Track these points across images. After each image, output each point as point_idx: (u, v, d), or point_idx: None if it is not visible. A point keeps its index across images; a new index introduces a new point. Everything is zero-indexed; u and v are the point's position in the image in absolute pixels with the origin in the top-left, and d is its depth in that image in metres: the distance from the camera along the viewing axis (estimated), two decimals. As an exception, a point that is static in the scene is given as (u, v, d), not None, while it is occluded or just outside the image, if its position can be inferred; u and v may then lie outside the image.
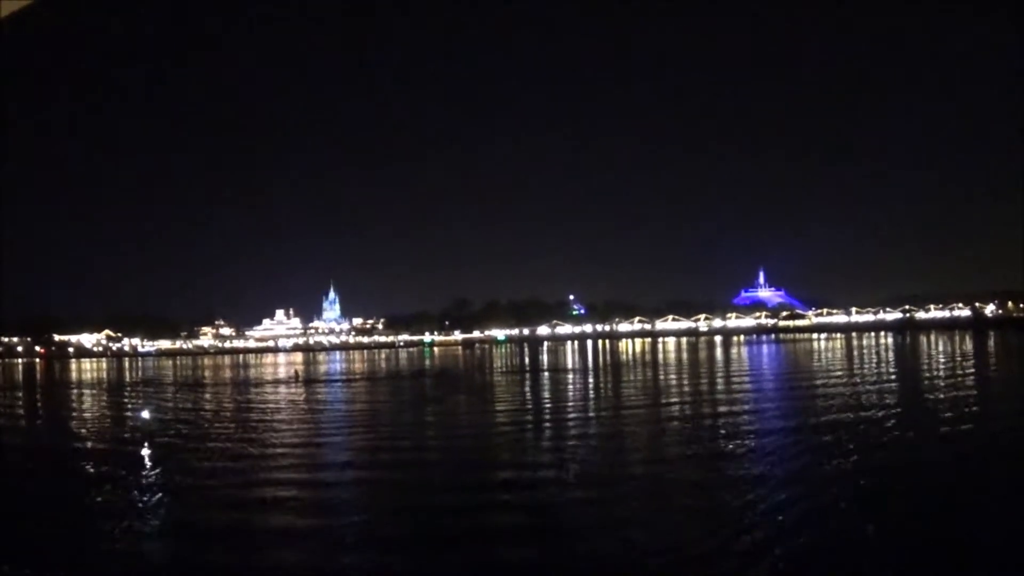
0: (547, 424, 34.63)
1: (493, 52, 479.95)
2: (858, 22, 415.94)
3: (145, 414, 36.26)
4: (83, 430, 38.66)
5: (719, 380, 57.69)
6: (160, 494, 21.05)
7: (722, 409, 37.08)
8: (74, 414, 49.33)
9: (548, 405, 44.33)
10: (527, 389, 56.84)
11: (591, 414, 38.50)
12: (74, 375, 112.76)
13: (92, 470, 25.78)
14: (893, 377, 55.22)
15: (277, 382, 73.41)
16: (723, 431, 29.13)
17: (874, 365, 67.66)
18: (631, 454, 25.40)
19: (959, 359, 71.83)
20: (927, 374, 56.68)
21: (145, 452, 28.58)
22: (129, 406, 51.83)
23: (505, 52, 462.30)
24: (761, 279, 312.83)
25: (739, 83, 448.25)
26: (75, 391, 73.49)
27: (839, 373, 58.68)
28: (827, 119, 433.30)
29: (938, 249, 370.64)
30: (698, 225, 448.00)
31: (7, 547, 15.62)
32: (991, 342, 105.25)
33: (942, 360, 71.66)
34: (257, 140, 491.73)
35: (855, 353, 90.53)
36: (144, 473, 24.59)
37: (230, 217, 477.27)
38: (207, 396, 60.11)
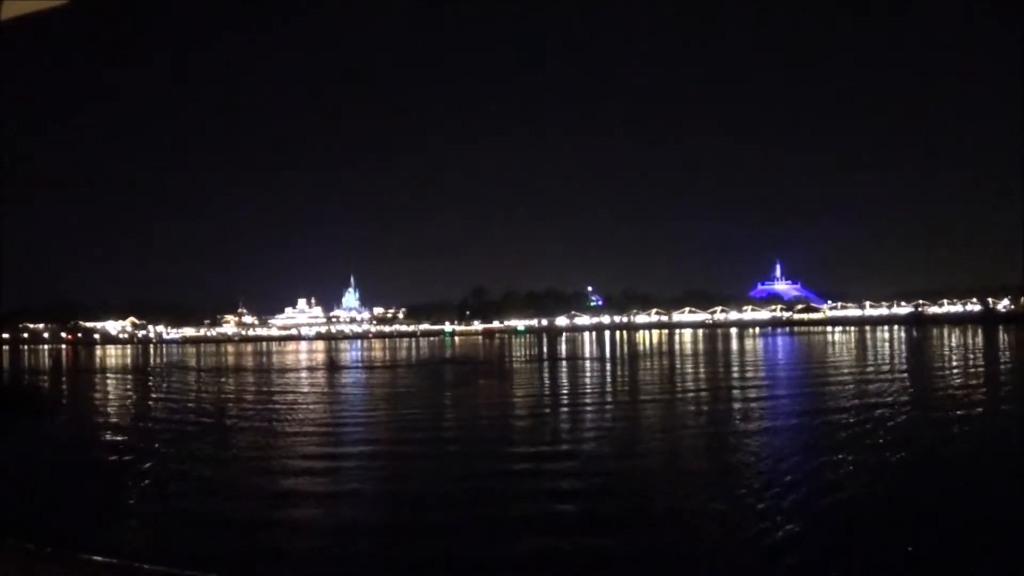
0: (568, 405, 38.64)
1: (509, 44, 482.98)
2: (871, 20, 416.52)
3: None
4: (184, 404, 43.69)
5: (734, 369, 61.13)
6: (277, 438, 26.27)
7: (736, 403, 40.70)
8: (157, 395, 53.41)
9: (567, 390, 48.15)
10: (547, 376, 60.93)
11: (608, 398, 42.51)
12: (118, 360, 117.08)
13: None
14: (901, 369, 58.49)
15: (314, 368, 77.57)
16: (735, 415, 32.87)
17: (877, 358, 70.67)
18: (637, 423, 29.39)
19: (962, 351, 75.09)
20: (930, 366, 59.87)
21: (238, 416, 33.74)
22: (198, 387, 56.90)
23: (521, 43, 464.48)
24: (778, 272, 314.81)
25: (758, 78, 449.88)
26: (140, 376, 76.47)
27: (846, 365, 62.18)
28: (843, 114, 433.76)
29: (954, 244, 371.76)
30: (716, 217, 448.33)
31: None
32: (1000, 337, 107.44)
33: (945, 353, 74.79)
34: (279, 132, 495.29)
35: (863, 346, 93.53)
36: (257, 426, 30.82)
37: (252, 207, 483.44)
38: (258, 379, 64.28)
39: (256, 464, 22.95)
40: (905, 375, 51.24)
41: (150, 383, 63.59)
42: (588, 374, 60.87)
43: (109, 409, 43.32)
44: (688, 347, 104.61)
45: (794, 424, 28.09)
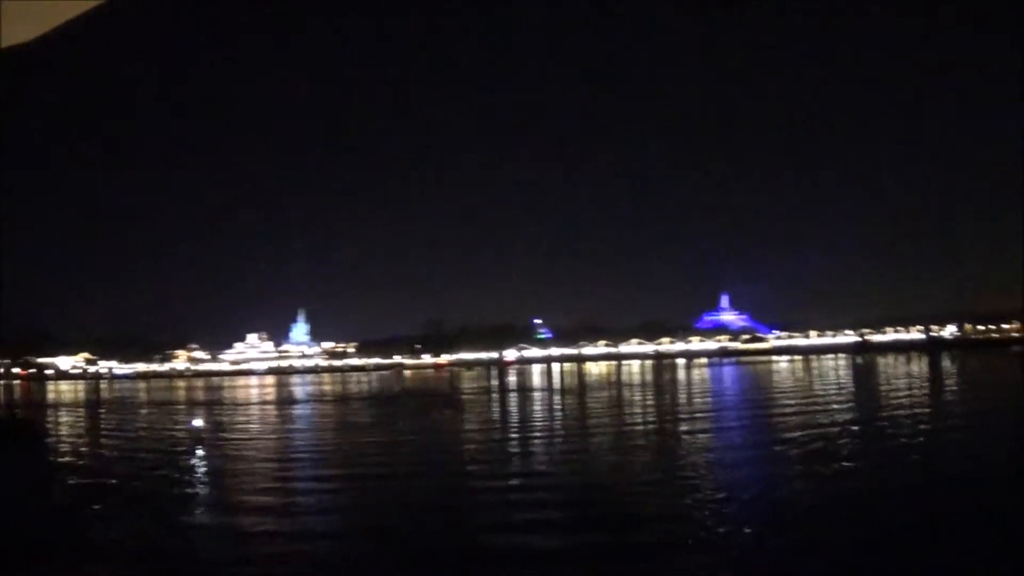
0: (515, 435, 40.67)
1: (462, 77, 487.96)
2: (824, 49, 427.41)
3: (197, 422, 43.14)
4: (159, 435, 45.63)
5: (680, 398, 63.64)
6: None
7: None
8: (136, 426, 55.03)
9: (515, 419, 50.26)
10: (495, 406, 63.20)
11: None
12: (73, 395, 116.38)
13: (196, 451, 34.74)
14: (841, 397, 60.97)
15: (273, 402, 78.96)
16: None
17: (820, 386, 73.12)
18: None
19: (907, 378, 78.13)
20: (870, 392, 62.52)
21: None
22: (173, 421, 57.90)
23: (475, 78, 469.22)
24: (725, 303, 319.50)
25: (705, 109, 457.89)
26: (110, 411, 76.25)
27: (786, 393, 65.14)
28: (792, 146, 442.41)
29: (900, 273, 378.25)
30: (665, 250, 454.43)
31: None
32: (943, 363, 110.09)
33: (885, 380, 77.73)
34: (228, 165, 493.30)
35: (808, 374, 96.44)
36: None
37: (201, 241, 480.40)
38: (227, 413, 64.55)
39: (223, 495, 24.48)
40: (844, 402, 52.95)
41: (103, 419, 64.21)
42: (535, 404, 63.27)
43: (73, 443, 44.30)
44: (635, 377, 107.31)
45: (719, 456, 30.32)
